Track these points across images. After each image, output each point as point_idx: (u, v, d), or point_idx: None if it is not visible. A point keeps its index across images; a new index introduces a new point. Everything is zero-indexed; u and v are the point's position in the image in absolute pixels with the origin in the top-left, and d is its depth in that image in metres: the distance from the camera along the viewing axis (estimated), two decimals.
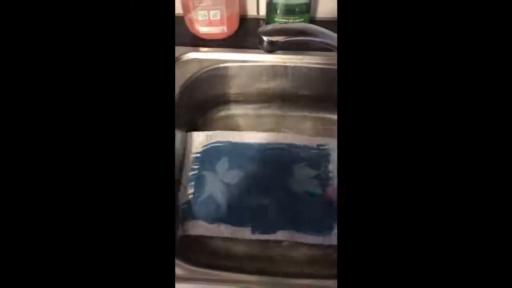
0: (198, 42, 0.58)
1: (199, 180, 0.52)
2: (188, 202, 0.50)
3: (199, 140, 0.56)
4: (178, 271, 0.40)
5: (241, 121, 0.61)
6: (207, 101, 0.60)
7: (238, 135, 0.56)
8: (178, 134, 0.54)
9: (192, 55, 0.56)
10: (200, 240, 0.49)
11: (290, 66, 0.56)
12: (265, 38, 0.37)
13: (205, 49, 0.57)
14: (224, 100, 0.61)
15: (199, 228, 0.48)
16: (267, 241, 0.48)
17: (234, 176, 0.52)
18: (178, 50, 0.57)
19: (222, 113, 0.61)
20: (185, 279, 0.39)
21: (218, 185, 0.51)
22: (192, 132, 0.57)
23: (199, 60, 0.57)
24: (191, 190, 0.51)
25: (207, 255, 0.48)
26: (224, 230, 0.48)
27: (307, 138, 0.56)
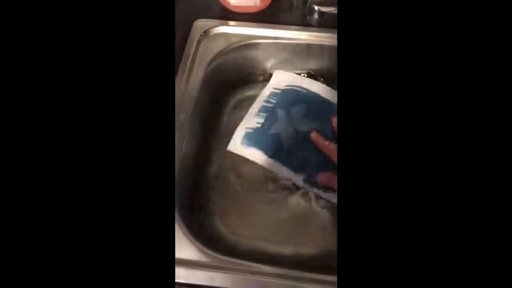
0: (228, 14, 0.53)
1: (271, 114, 0.51)
2: (253, 129, 0.50)
3: (284, 78, 0.55)
4: (199, 257, 0.37)
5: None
6: (235, 80, 0.56)
7: (322, 87, 0.54)
8: (202, 117, 0.51)
9: (221, 29, 0.53)
10: (219, 229, 0.47)
11: (327, 45, 0.52)
12: (316, 8, 0.33)
13: (235, 23, 0.53)
14: (252, 80, 0.57)
15: (255, 156, 0.48)
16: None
17: (303, 124, 0.50)
18: (206, 23, 0.53)
19: (250, 93, 0.57)
20: (203, 266, 0.37)
21: (288, 128, 0.50)
22: (278, 70, 0.56)
23: (228, 35, 0.53)
24: (260, 120, 0.51)
25: (227, 243, 0.46)
26: (277, 167, 0.48)
27: None
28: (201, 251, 0.38)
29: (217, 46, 0.52)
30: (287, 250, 0.44)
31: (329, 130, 0.49)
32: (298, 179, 0.47)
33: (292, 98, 0.53)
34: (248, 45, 0.53)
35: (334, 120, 0.49)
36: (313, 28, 0.51)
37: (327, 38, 0.51)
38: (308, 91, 0.54)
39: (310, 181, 0.47)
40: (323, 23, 0.33)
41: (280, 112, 0.51)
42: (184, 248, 0.37)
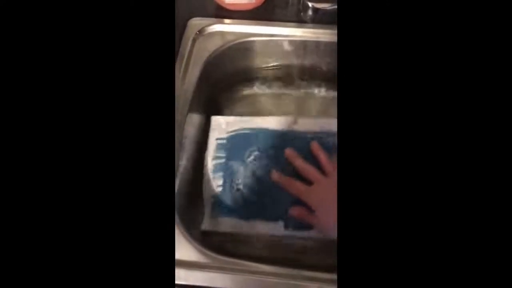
0: (223, 13, 0.53)
1: (227, 172, 0.47)
2: (217, 196, 0.46)
3: (224, 125, 0.51)
4: (198, 257, 0.37)
5: (266, 101, 0.56)
6: (230, 78, 0.56)
7: (267, 121, 0.50)
8: (198, 117, 0.51)
9: (216, 27, 0.52)
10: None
11: (323, 41, 0.51)
12: (310, 4, 0.32)
13: (230, 21, 0.53)
14: (249, 78, 0.57)
15: (231, 224, 0.45)
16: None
17: (264, 167, 0.47)
18: (201, 21, 0.53)
19: (246, 92, 0.57)
20: (203, 267, 0.36)
21: (248, 177, 0.47)
22: (216, 117, 0.51)
23: (223, 33, 0.52)
24: (219, 182, 0.47)
25: (226, 243, 0.46)
26: (257, 226, 0.44)
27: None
28: (201, 252, 0.37)
29: (212, 45, 0.51)
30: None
31: (284, 162, 0.47)
32: (280, 229, 0.44)
33: (240, 144, 0.49)
34: (243, 43, 0.52)
35: (313, 145, 0.47)
36: (309, 25, 0.51)
37: (323, 35, 0.51)
38: (252, 129, 0.50)
39: (290, 222, 0.44)
40: (317, 20, 0.33)
41: (235, 165, 0.48)
42: (183, 249, 0.37)
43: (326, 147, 0.47)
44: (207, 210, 0.46)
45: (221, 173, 0.47)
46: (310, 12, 0.33)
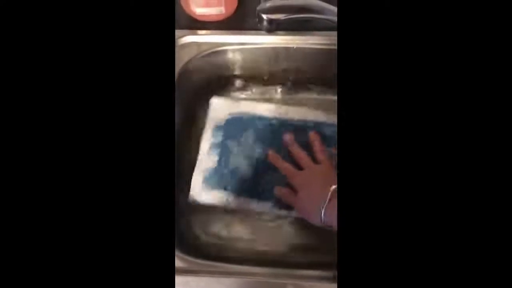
0: (195, 24, 0.55)
1: (223, 151, 0.50)
2: (211, 171, 0.49)
3: (224, 108, 0.54)
4: (181, 263, 0.39)
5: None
6: (207, 87, 0.57)
7: (265, 108, 0.54)
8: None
9: (189, 38, 0.54)
10: (203, 231, 0.48)
11: (293, 47, 0.53)
12: (264, 16, 0.34)
13: (203, 31, 0.54)
14: (225, 86, 0.58)
15: (222, 198, 0.47)
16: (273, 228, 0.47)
17: (259, 150, 0.50)
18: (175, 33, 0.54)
19: None
20: (188, 272, 0.38)
21: (243, 158, 0.50)
22: (216, 99, 0.54)
23: (197, 44, 0.54)
24: (214, 159, 0.50)
25: (210, 247, 0.47)
26: (246, 202, 0.47)
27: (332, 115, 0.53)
28: (178, 257, 0.39)
29: (186, 55, 0.53)
30: (260, 249, 0.46)
31: (281, 147, 0.50)
32: (269, 207, 0.47)
33: (237, 127, 0.52)
34: (216, 52, 0.54)
35: (312, 134, 0.49)
36: (279, 32, 0.53)
37: (292, 41, 0.52)
38: (250, 114, 0.53)
39: (279, 203, 0.47)
40: (273, 29, 0.35)
41: (231, 145, 0.51)
42: None
43: (322, 137, 0.50)
44: (199, 181, 0.48)
45: (217, 151, 0.50)
46: (265, 23, 0.34)
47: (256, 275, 0.39)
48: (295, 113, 0.53)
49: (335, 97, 0.58)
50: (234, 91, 0.59)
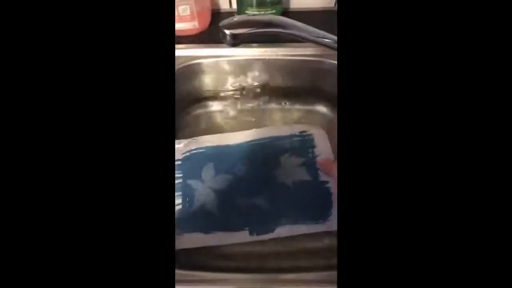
0: None
1: (185, 190, 0.49)
2: (177, 214, 0.48)
3: (177, 148, 0.53)
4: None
5: (220, 118, 0.60)
6: (183, 100, 0.59)
7: (217, 138, 0.54)
8: None
9: None
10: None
11: (265, 59, 0.55)
12: (227, 32, 0.36)
13: (178, 45, 0.56)
14: (201, 97, 0.60)
15: (196, 240, 0.46)
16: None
17: (222, 181, 0.50)
18: None
19: (201, 111, 0.60)
20: (179, 281, 0.38)
21: (208, 194, 0.49)
22: None
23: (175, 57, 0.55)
24: (178, 201, 0.49)
25: (200, 256, 0.47)
26: (222, 238, 0.46)
27: (288, 127, 0.55)
28: None
29: None
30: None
31: (244, 172, 0.50)
32: (246, 235, 0.47)
33: (195, 163, 0.51)
34: (192, 65, 0.56)
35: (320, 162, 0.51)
36: (253, 44, 0.55)
37: (265, 53, 0.54)
38: (207, 147, 0.53)
39: (254, 228, 0.47)
40: (237, 43, 0.37)
41: (192, 183, 0.50)
42: None
43: (279, 149, 0.52)
44: None
45: (179, 193, 0.49)
46: (228, 38, 0.36)
47: (251, 282, 0.39)
48: (250, 134, 0.54)
49: (309, 107, 0.60)
50: (209, 103, 0.60)
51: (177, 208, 0.48)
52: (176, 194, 0.49)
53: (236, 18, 0.38)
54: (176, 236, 0.46)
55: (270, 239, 0.46)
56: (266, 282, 0.38)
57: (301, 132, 0.54)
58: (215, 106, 0.60)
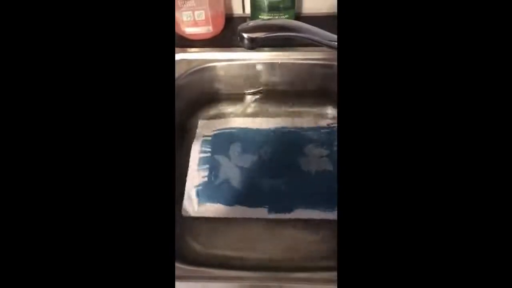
0: (185, 42, 0.58)
1: (212, 164, 0.53)
2: (202, 185, 0.51)
3: (210, 126, 0.57)
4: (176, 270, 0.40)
5: (233, 121, 0.61)
6: (198, 102, 0.60)
7: (247, 121, 0.58)
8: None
9: (179, 56, 0.57)
10: (198, 238, 0.49)
11: (278, 62, 0.56)
12: (245, 35, 0.37)
13: (192, 49, 0.57)
14: (214, 100, 0.61)
15: (217, 210, 0.49)
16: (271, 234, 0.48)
17: (247, 160, 0.53)
18: None
19: (212, 113, 0.61)
20: (182, 278, 0.39)
21: (233, 170, 0.52)
22: (203, 120, 0.59)
23: (187, 61, 0.57)
24: (205, 173, 0.52)
25: (205, 253, 0.48)
26: (242, 211, 0.49)
27: (316, 120, 0.58)
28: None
29: (177, 72, 0.56)
30: (252, 256, 0.48)
31: (269, 155, 0.54)
32: (265, 212, 0.49)
33: (225, 141, 0.56)
34: (206, 68, 0.57)
35: None
36: (265, 49, 0.56)
37: (277, 56, 0.56)
38: (236, 128, 0.57)
39: (273, 207, 0.49)
40: (254, 47, 0.38)
41: (220, 158, 0.54)
42: None
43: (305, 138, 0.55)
44: (191, 197, 0.50)
45: (206, 166, 0.53)
46: (246, 41, 0.37)
47: (249, 279, 0.40)
48: (279, 122, 0.58)
49: (323, 110, 0.61)
50: (222, 104, 0.61)
51: (202, 180, 0.52)
52: (203, 167, 0.53)
53: (253, 22, 0.39)
54: (199, 205, 0.50)
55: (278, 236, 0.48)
56: (274, 280, 0.39)
57: (329, 125, 0.57)
58: (227, 108, 0.61)
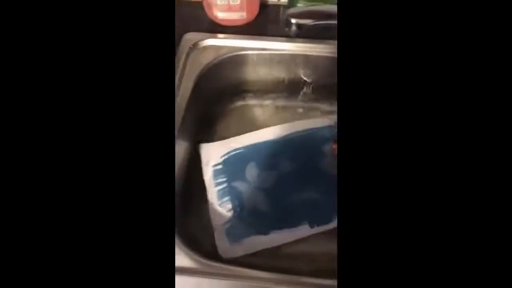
0: (216, 28, 0.55)
1: (232, 193, 0.47)
2: (230, 221, 0.46)
3: (215, 151, 0.51)
4: (191, 264, 0.38)
5: (258, 113, 0.58)
6: (223, 91, 0.58)
7: (255, 136, 0.53)
8: (191, 130, 0.52)
9: (209, 41, 0.54)
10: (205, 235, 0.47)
11: (310, 55, 0.53)
12: (293, 21, 0.34)
13: (223, 35, 0.55)
14: (241, 90, 0.59)
15: (257, 243, 0.44)
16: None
17: (268, 179, 0.49)
18: (195, 36, 0.55)
19: (239, 104, 0.59)
20: (198, 272, 0.37)
21: (255, 193, 0.47)
22: (204, 144, 0.52)
23: (216, 47, 0.54)
24: (228, 206, 0.47)
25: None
26: (282, 236, 0.44)
27: (325, 119, 0.54)
28: (189, 256, 0.38)
29: (206, 58, 0.53)
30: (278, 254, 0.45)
31: (289, 166, 0.50)
32: (306, 230, 0.45)
33: (237, 163, 0.50)
34: (235, 56, 0.54)
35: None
36: (298, 40, 0.53)
37: (312, 49, 0.53)
38: (246, 146, 0.52)
39: (313, 220, 0.46)
40: (302, 35, 0.35)
41: (238, 184, 0.48)
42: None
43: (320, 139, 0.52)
44: (223, 237, 0.45)
45: (227, 198, 0.47)
46: (294, 28, 0.35)
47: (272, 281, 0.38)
48: (287, 128, 0.53)
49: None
50: (249, 97, 0.59)
51: (229, 213, 0.46)
52: (224, 199, 0.47)
53: (301, 8, 0.36)
54: (234, 244, 0.44)
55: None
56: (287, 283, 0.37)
57: None
58: (255, 100, 0.59)
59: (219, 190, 0.48)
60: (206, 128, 0.56)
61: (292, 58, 0.54)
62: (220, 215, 0.46)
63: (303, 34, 0.35)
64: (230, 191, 0.48)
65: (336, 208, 0.44)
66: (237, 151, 0.51)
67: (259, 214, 0.46)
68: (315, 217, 0.45)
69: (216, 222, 0.46)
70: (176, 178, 0.45)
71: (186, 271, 0.37)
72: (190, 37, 0.55)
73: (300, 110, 0.58)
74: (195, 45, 0.54)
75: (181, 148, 0.48)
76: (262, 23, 0.56)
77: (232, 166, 0.50)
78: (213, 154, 0.51)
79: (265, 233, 0.45)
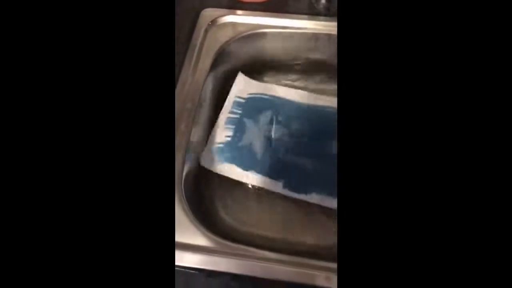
0: (235, 4, 0.53)
1: (239, 126, 0.51)
2: (224, 143, 0.50)
3: (248, 86, 0.54)
4: (204, 242, 0.38)
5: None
6: (241, 69, 0.56)
7: (287, 91, 0.55)
8: (208, 105, 0.51)
9: (228, 18, 0.53)
10: (223, 216, 0.47)
11: (331, 34, 0.51)
12: None
13: (242, 12, 0.53)
14: (258, 70, 0.57)
15: (233, 172, 0.48)
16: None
17: (276, 131, 0.51)
18: (214, 12, 0.53)
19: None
20: (208, 251, 0.37)
21: (259, 136, 0.50)
22: (242, 76, 0.55)
23: (235, 24, 0.53)
24: (228, 133, 0.50)
25: (231, 229, 0.46)
26: (255, 178, 0.47)
27: None
28: (207, 237, 0.38)
29: (224, 35, 0.52)
30: (291, 237, 0.45)
31: (300, 132, 0.51)
32: (280, 187, 0.47)
33: (257, 106, 0.53)
34: (255, 34, 0.53)
35: None
36: (321, 18, 0.51)
37: (334, 28, 0.51)
38: (273, 96, 0.54)
39: (290, 183, 0.47)
40: (332, 10, 0.33)
41: (248, 122, 0.51)
42: (190, 233, 0.38)
43: None
44: (211, 149, 0.49)
45: (232, 126, 0.51)
46: (323, 1, 0.33)
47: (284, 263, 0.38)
48: (317, 100, 0.54)
49: None
50: (268, 76, 0.58)
51: (225, 139, 0.50)
52: (228, 126, 0.51)
53: None
54: (217, 163, 0.48)
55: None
56: (292, 264, 0.37)
57: None
58: (273, 80, 0.57)
59: (229, 117, 0.52)
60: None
61: (314, 37, 0.52)
62: (218, 134, 0.50)
63: (333, 9, 0.33)
64: (238, 122, 0.51)
65: (316, 185, 0.46)
66: (263, 96, 0.54)
67: (250, 153, 0.49)
68: (293, 182, 0.47)
69: (212, 139, 0.50)
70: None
71: (203, 249, 0.37)
72: (208, 13, 0.53)
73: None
74: (213, 22, 0.53)
75: (197, 127, 0.47)
76: (284, 1, 0.54)
77: (252, 105, 0.53)
78: (244, 87, 0.54)
79: (245, 168, 0.48)
